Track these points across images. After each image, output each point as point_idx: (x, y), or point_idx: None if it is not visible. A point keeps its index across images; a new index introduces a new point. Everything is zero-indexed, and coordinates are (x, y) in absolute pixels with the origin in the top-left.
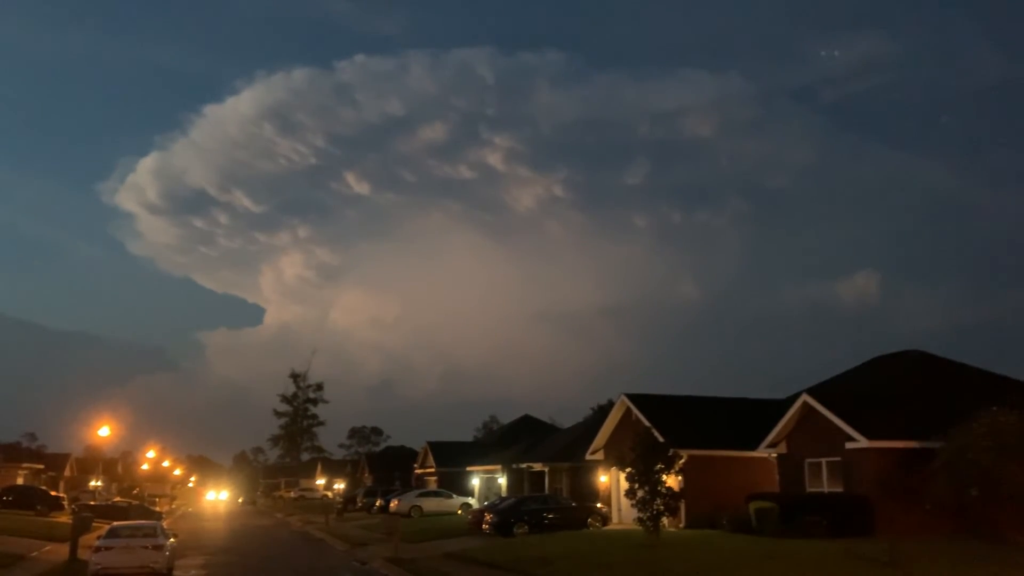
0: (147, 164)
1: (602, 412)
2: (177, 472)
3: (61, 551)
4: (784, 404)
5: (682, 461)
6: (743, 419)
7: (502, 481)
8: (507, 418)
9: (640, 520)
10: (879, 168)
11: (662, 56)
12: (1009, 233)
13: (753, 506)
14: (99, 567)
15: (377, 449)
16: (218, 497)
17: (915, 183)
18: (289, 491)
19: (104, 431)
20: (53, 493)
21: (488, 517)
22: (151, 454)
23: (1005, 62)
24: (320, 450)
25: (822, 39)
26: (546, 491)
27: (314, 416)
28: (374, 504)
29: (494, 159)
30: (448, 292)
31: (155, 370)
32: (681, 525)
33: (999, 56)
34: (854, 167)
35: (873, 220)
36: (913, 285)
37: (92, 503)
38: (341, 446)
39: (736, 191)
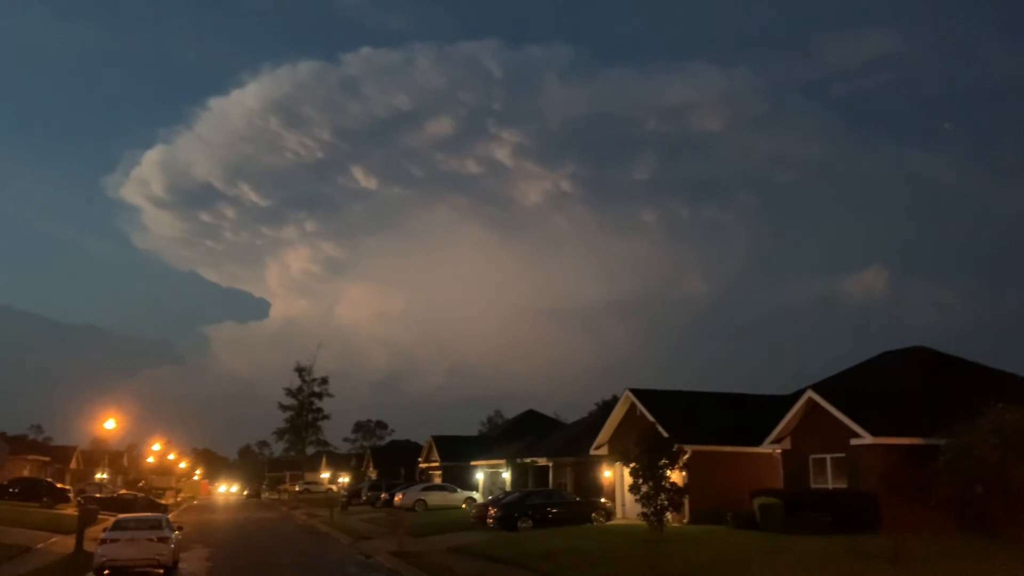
0: (152, 157)
1: (606, 407)
2: (182, 465)
3: (67, 543)
4: (789, 400)
5: (686, 456)
6: (748, 415)
7: (506, 476)
8: (511, 413)
9: (644, 515)
10: (888, 164)
11: (671, 50)
12: (1018, 229)
13: (757, 502)
14: (105, 559)
15: (382, 443)
16: (228, 490)
17: (924, 179)
18: (294, 485)
19: (110, 424)
20: (59, 485)
21: (492, 512)
22: (157, 447)
23: (1014, 59)
24: (325, 444)
25: (832, 35)
26: (550, 486)
27: (319, 410)
28: (378, 498)
29: (501, 154)
30: (454, 287)
31: (161, 363)
32: (685, 521)
33: (1008, 53)
34: (863, 163)
35: (882, 216)
36: (921, 281)
37: (98, 495)
38: (346, 440)
39: (744, 186)
